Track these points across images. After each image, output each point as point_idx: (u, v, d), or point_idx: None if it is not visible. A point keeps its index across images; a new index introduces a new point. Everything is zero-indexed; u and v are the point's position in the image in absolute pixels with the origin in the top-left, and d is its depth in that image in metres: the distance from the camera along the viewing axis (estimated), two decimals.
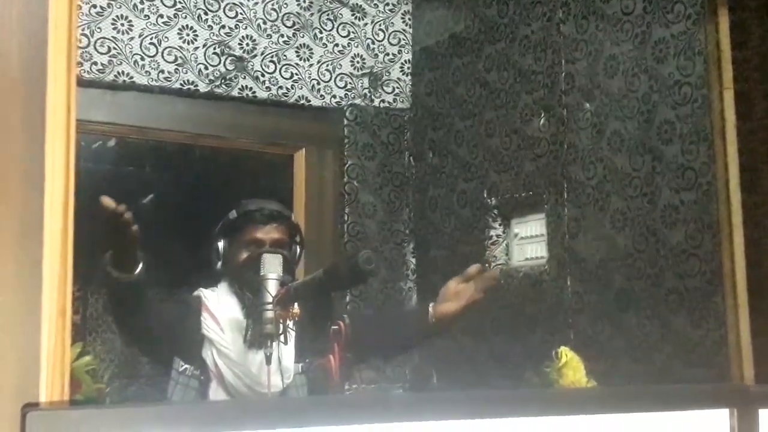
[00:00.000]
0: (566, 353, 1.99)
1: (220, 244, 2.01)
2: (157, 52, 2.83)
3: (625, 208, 2.36)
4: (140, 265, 1.77)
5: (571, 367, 1.96)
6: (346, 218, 3.08)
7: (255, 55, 2.99)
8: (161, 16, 2.85)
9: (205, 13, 2.92)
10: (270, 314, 1.76)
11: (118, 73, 2.76)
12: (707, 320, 2.11)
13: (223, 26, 2.94)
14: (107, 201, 1.67)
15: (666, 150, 2.26)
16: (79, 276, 0.92)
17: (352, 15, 3.18)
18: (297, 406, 0.97)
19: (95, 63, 2.73)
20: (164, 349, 1.95)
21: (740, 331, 1.99)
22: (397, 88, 3.23)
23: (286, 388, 1.89)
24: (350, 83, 3.14)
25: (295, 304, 1.81)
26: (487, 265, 2.82)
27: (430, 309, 2.03)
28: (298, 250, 2.06)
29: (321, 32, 3.11)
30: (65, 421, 0.76)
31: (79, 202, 0.92)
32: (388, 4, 3.24)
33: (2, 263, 0.84)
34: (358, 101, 3.15)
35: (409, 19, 3.27)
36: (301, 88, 3.06)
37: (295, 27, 3.07)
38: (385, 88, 3.21)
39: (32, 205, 0.85)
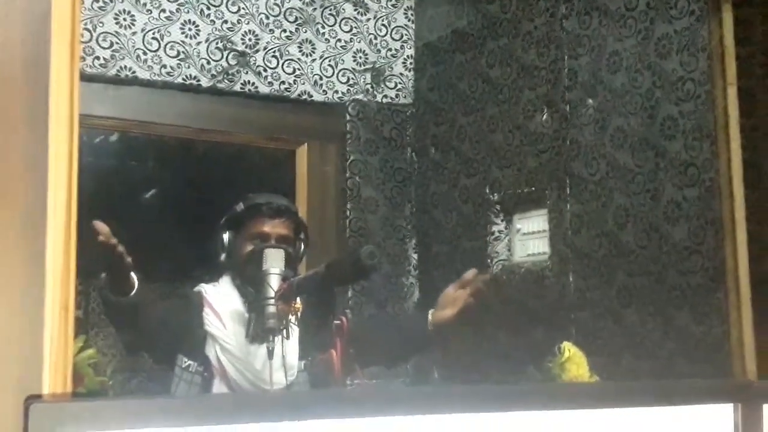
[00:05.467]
0: (569, 348, 1.99)
1: (225, 236, 2.00)
2: (159, 47, 2.83)
3: (628, 204, 2.36)
4: (136, 287, 1.78)
5: (574, 362, 1.96)
6: (348, 213, 3.08)
7: (257, 50, 2.99)
8: (164, 10, 2.85)
9: (208, 8, 2.92)
10: (272, 309, 1.76)
11: (121, 67, 2.76)
12: (710, 316, 2.11)
13: (226, 21, 2.94)
14: (99, 226, 1.65)
15: (669, 146, 2.26)
16: (81, 270, 0.92)
17: (355, 10, 3.17)
18: (299, 399, 0.97)
19: (98, 57, 2.73)
20: (167, 347, 1.95)
21: (743, 327, 1.99)
22: (400, 83, 3.22)
23: (289, 385, 1.89)
24: (353, 78, 3.14)
25: (297, 299, 1.81)
26: (489, 261, 2.82)
27: (429, 316, 1.99)
28: (302, 246, 2.06)
29: (323, 27, 3.11)
30: (68, 414, 0.76)
31: (82, 197, 0.92)
32: (390, 0, 3.24)
33: (6, 258, 0.84)
34: (360, 96, 3.14)
35: (412, 15, 3.27)
36: (304, 84, 3.06)
37: (297, 22, 3.07)
38: (387, 83, 3.21)
39: (35, 200, 0.85)
